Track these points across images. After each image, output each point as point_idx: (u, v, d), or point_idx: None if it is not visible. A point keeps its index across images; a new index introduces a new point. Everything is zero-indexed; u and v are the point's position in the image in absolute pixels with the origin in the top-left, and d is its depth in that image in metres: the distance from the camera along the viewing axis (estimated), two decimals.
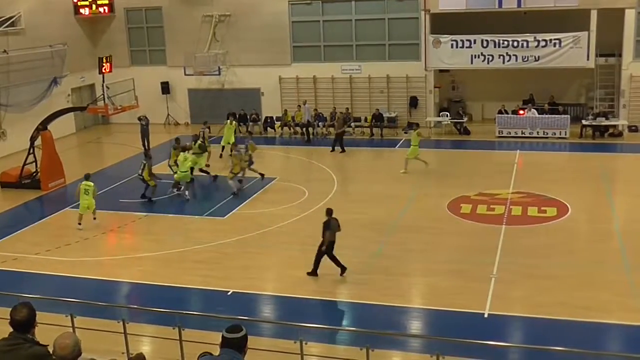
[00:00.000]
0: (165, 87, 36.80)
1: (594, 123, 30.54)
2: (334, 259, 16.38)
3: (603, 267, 16.66)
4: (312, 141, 32.22)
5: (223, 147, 29.01)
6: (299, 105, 34.18)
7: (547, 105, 32.41)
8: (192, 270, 17.37)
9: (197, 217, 21.68)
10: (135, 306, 15.44)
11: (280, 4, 34.73)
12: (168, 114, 37.28)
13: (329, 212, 16.70)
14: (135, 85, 30.59)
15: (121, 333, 12.03)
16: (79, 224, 20.57)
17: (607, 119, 30.84)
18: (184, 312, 13.88)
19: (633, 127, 31.06)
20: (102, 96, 28.39)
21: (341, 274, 16.39)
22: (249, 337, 5.75)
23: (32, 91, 31.52)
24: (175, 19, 36.50)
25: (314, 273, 16.43)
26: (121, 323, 12.05)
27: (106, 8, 36.64)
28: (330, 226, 16.36)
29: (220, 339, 5.71)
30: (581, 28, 30.22)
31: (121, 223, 21.34)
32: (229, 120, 30.05)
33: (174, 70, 36.47)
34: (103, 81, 28.08)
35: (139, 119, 30.96)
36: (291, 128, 33.85)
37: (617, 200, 22.13)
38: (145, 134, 30.76)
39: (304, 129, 32.86)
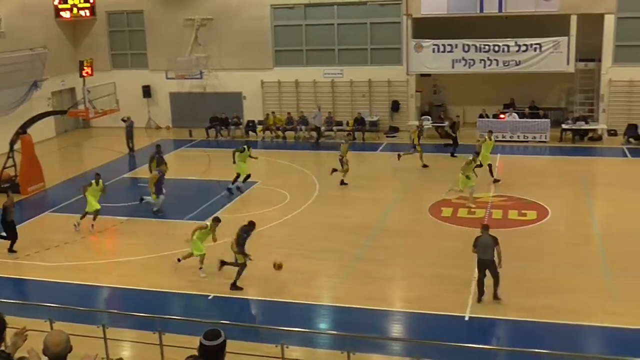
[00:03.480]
0: (147, 91, 36.69)
1: (573, 127, 30.83)
2: (479, 281, 15.09)
3: (583, 270, 16.77)
4: (320, 145, 32.16)
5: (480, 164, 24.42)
6: (273, 112, 34.26)
7: (528, 110, 32.64)
8: (173, 275, 17.28)
9: (179, 221, 21.58)
10: (116, 311, 15.35)
11: (262, 8, 34.73)
12: (149, 118, 37.16)
13: (484, 227, 15.46)
14: (116, 88, 30.43)
15: (101, 338, 11.96)
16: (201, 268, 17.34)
17: (586, 123, 31.14)
18: (165, 316, 13.81)
19: (612, 131, 31.34)
20: (82, 100, 28.23)
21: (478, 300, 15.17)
22: (231, 341, 5.69)
23: (12, 95, 31.12)
24: (157, 22, 36.41)
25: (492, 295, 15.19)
26: (101, 328, 11.99)
27: (87, 11, 36.46)
28: (477, 243, 15.16)
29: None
30: (561, 33, 30.45)
31: (102, 227, 21.18)
32: (487, 136, 25.68)
33: (156, 74, 36.35)
34: (84, 85, 27.92)
35: (123, 120, 31.19)
36: (273, 132, 33.87)
37: (596, 204, 22.32)
38: (129, 136, 31.02)
39: (316, 133, 32.68)
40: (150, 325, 12.44)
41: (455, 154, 28.32)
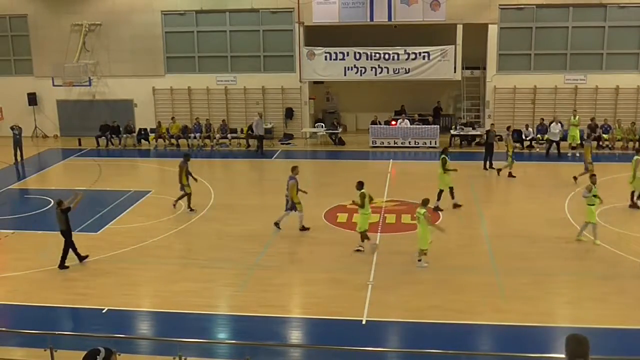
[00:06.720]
0: (33, 98, 35.35)
1: (461, 133, 31.92)
2: None
3: (474, 270, 17.36)
4: (264, 153, 31.55)
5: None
6: (173, 117, 33.83)
7: (418, 116, 33.57)
8: (64, 289, 16.69)
9: None
10: (3, 329, 14.65)
11: (152, 14, 34.18)
12: (36, 126, 35.80)
13: None
14: None
15: None
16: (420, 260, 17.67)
17: (473, 128, 32.32)
18: (56, 332, 13.30)
19: (498, 137, 32.56)
20: None
21: None
22: (126, 355, 5.61)
23: None
24: (42, 27, 35.18)
25: None
26: None
27: None
28: None
29: None
30: (448, 42, 31.53)
31: None
32: (637, 157, 21.98)
33: (42, 81, 35.14)
34: None
35: (12, 128, 30.25)
36: (165, 140, 33.36)
37: (484, 207, 23.13)
38: (18, 144, 30.30)
39: (258, 141, 31.80)
40: (41, 342, 11.96)
41: (492, 166, 27.40)
